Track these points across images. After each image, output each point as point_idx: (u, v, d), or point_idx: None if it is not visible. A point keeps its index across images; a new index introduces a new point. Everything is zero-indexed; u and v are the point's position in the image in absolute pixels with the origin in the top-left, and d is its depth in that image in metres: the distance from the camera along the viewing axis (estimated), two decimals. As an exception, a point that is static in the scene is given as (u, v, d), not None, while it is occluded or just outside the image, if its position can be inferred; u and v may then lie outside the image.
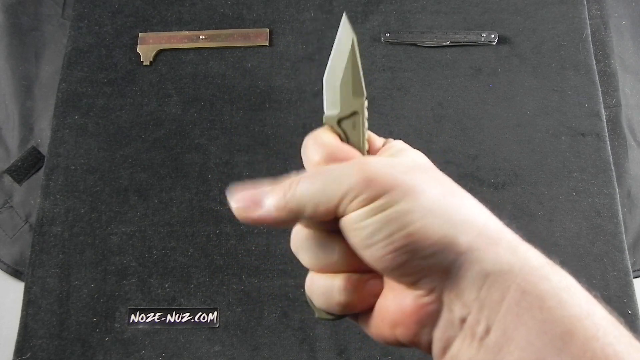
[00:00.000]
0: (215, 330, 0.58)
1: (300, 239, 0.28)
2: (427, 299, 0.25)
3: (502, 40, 0.68)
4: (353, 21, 0.70)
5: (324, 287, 0.27)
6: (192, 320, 0.58)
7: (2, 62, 0.71)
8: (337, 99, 0.28)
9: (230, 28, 0.70)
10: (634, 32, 0.73)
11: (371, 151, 0.29)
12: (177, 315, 0.58)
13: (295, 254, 0.29)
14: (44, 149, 0.67)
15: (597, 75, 0.67)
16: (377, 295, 0.27)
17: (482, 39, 0.68)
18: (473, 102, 0.66)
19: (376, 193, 0.24)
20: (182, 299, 0.59)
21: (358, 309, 0.27)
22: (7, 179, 0.67)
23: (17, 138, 0.68)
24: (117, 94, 0.67)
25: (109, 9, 0.71)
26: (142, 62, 0.68)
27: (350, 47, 0.27)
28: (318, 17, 0.70)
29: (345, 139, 0.28)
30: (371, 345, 0.57)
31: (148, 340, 0.58)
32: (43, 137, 0.68)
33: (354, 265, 0.27)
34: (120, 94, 0.67)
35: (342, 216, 0.25)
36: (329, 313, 0.28)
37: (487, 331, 0.23)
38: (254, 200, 0.26)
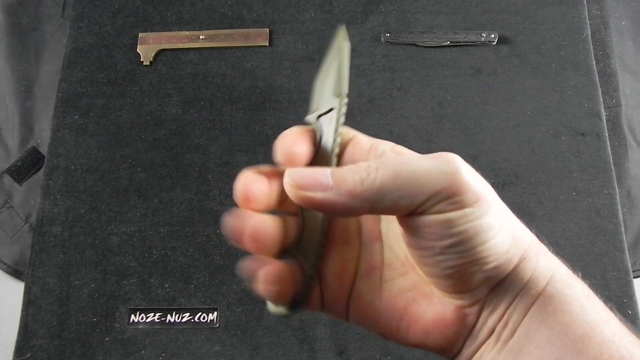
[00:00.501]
0: (215, 330, 0.58)
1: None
2: (469, 310, 0.25)
3: (502, 40, 0.68)
4: (353, 21, 0.70)
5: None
6: (192, 320, 0.58)
7: (2, 62, 0.71)
8: (321, 98, 0.28)
9: (230, 28, 0.70)
10: (634, 32, 0.73)
11: (356, 150, 0.27)
12: (177, 315, 0.58)
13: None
14: (44, 149, 0.67)
15: (597, 75, 0.67)
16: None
17: (482, 39, 0.68)
18: (473, 102, 0.66)
19: (468, 200, 0.23)
20: (182, 299, 0.59)
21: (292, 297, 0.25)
22: (7, 179, 0.67)
23: (17, 138, 0.68)
24: (117, 94, 0.67)
25: (109, 9, 0.71)
26: (142, 62, 0.68)
27: (340, 53, 0.28)
28: (318, 17, 0.70)
29: (319, 135, 0.27)
30: (371, 345, 0.57)
31: (148, 340, 0.58)
32: (43, 137, 0.68)
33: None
34: (120, 94, 0.67)
35: (420, 214, 0.23)
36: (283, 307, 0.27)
37: (512, 334, 0.24)
38: (318, 180, 0.23)
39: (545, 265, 0.24)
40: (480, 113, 0.65)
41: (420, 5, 0.70)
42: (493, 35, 0.68)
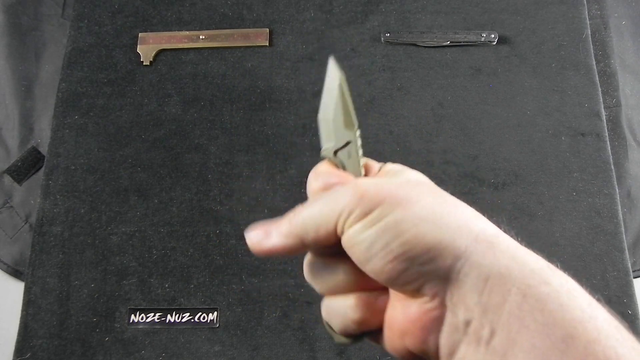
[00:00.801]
0: (215, 330, 0.58)
1: (309, 265, 0.29)
2: (430, 305, 0.25)
3: (502, 40, 0.68)
4: (353, 21, 0.70)
5: (337, 309, 0.29)
6: (192, 320, 0.58)
7: (2, 62, 0.71)
8: (331, 132, 0.30)
9: (230, 28, 0.70)
10: (634, 32, 0.73)
11: (369, 175, 0.30)
12: (177, 315, 0.58)
13: (310, 282, 0.30)
14: (44, 149, 0.67)
15: (597, 75, 0.67)
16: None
17: (482, 39, 0.68)
18: (473, 102, 0.66)
19: (369, 207, 0.25)
20: (182, 299, 0.59)
21: (373, 326, 0.28)
22: (7, 179, 0.67)
23: (17, 138, 0.68)
24: (117, 94, 0.67)
25: (109, 9, 0.71)
26: (142, 62, 0.68)
27: (338, 85, 0.29)
28: (318, 17, 0.70)
29: (343, 167, 0.30)
30: (371, 345, 0.57)
31: (148, 340, 0.58)
32: (43, 137, 0.68)
33: (362, 284, 0.28)
34: (120, 94, 0.67)
35: (342, 235, 0.26)
36: (347, 336, 0.30)
37: (492, 335, 0.23)
38: (265, 231, 0.28)
39: (507, 259, 0.24)
40: (480, 113, 0.65)
41: (420, 5, 0.70)
42: (493, 35, 0.68)
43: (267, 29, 0.70)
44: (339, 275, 0.28)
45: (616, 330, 0.22)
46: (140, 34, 0.69)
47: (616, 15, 0.73)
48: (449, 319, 0.25)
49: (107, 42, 0.70)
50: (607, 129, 0.65)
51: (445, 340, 0.25)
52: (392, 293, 0.27)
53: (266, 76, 0.68)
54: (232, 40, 0.69)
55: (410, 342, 0.26)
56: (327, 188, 0.28)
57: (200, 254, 0.61)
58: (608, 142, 0.64)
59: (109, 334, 0.58)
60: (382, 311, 0.28)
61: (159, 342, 0.57)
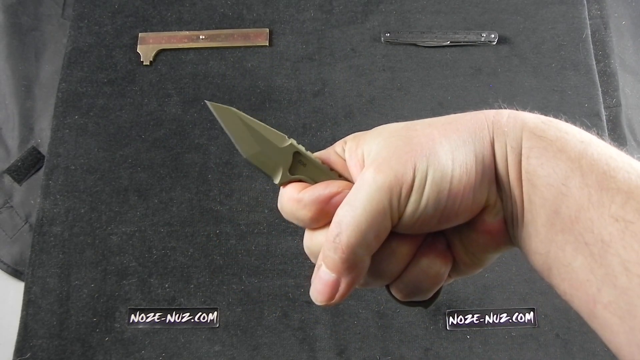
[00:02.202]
0: (215, 330, 0.58)
1: (363, 281, 0.28)
2: (495, 210, 0.26)
3: (502, 40, 0.68)
4: (353, 21, 0.70)
5: (423, 278, 0.28)
6: (192, 320, 0.58)
7: (2, 62, 0.71)
8: (272, 159, 0.28)
9: (230, 28, 0.70)
10: (634, 32, 0.73)
11: (335, 163, 0.29)
12: (177, 315, 0.58)
13: (369, 286, 0.29)
14: (44, 149, 0.67)
15: (597, 75, 0.67)
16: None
17: (482, 39, 0.68)
18: (473, 102, 0.66)
19: (409, 173, 0.25)
20: (182, 299, 0.59)
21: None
22: (7, 179, 0.67)
23: (17, 138, 0.68)
24: (117, 94, 0.67)
25: (109, 9, 0.71)
26: (142, 62, 0.68)
27: (237, 118, 0.29)
28: (318, 17, 0.70)
29: (308, 177, 0.28)
30: (371, 345, 0.57)
31: (148, 340, 0.58)
32: (43, 137, 0.68)
33: (417, 245, 0.28)
34: (120, 94, 0.67)
35: (400, 219, 0.25)
36: (433, 296, 0.29)
37: (522, 208, 0.25)
38: (329, 287, 0.26)
39: (514, 131, 0.25)
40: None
41: (420, 5, 0.70)
42: (493, 35, 0.68)
43: (267, 29, 0.70)
44: (400, 253, 0.27)
45: (609, 152, 0.24)
46: (140, 34, 0.69)
47: (616, 15, 0.73)
48: (507, 218, 0.27)
49: (107, 42, 0.70)
50: (607, 129, 0.65)
51: (512, 233, 0.27)
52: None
53: (266, 76, 0.68)
54: (232, 40, 0.69)
55: (494, 249, 0.28)
56: (323, 203, 0.27)
57: (200, 254, 0.61)
58: (608, 142, 0.64)
59: (109, 334, 0.58)
60: (446, 250, 0.28)
61: (159, 342, 0.57)
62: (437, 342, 0.57)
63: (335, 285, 0.26)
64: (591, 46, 0.68)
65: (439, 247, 0.28)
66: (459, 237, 0.28)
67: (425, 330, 0.58)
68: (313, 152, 0.29)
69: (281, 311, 0.58)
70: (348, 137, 0.29)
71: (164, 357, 0.57)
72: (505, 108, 0.28)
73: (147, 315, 0.58)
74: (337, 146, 0.29)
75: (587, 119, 0.65)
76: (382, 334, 0.57)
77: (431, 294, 0.29)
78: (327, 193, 0.27)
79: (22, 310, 0.59)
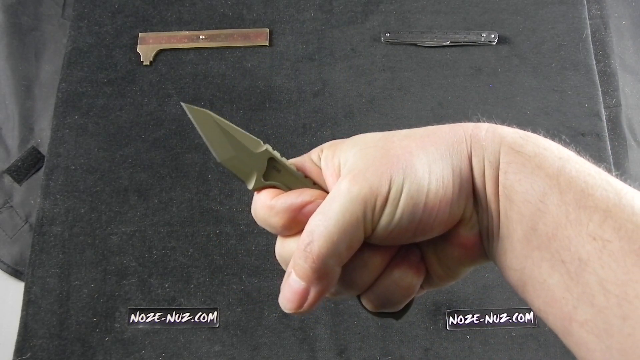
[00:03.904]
0: (215, 330, 0.58)
1: (333, 292, 0.28)
2: (470, 224, 0.26)
3: (502, 40, 0.68)
4: (353, 21, 0.70)
5: (394, 289, 0.28)
6: (192, 320, 0.58)
7: (2, 62, 0.71)
8: (246, 164, 0.28)
9: (230, 28, 0.70)
10: (634, 32, 0.73)
11: (311, 171, 0.29)
12: (177, 315, 0.58)
13: (340, 296, 0.29)
14: (44, 149, 0.67)
15: (597, 75, 0.67)
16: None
17: (482, 39, 0.68)
18: (473, 102, 0.66)
19: (384, 185, 0.24)
20: (182, 299, 0.59)
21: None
22: (7, 179, 0.67)
23: (17, 138, 0.68)
24: (117, 94, 0.67)
25: (109, 9, 0.71)
26: (142, 62, 0.68)
27: (213, 121, 0.28)
28: (318, 17, 0.70)
29: (282, 183, 0.28)
30: (371, 345, 0.57)
31: (148, 340, 0.58)
32: (43, 137, 0.68)
33: (390, 256, 0.28)
34: (120, 94, 0.67)
35: (373, 230, 0.25)
36: (404, 307, 0.29)
37: (498, 223, 0.25)
38: (298, 296, 0.26)
39: (491, 145, 0.25)
40: (480, 113, 0.65)
41: (420, 5, 0.70)
42: (493, 35, 0.68)
43: (267, 29, 0.70)
44: (372, 264, 0.27)
45: (587, 169, 0.24)
46: (140, 34, 0.69)
47: (616, 15, 0.73)
48: (482, 231, 0.27)
49: (107, 42, 0.70)
50: (607, 129, 0.65)
51: (488, 248, 0.27)
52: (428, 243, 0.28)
53: (266, 76, 0.68)
54: (232, 40, 0.69)
55: (469, 263, 0.27)
56: (295, 211, 0.27)
57: (200, 254, 0.61)
58: (608, 142, 0.64)
59: (109, 334, 0.58)
60: (419, 263, 0.28)
61: (159, 342, 0.57)
62: (437, 342, 0.57)
63: (305, 294, 0.26)
64: (591, 46, 0.68)
65: (412, 259, 0.28)
66: (433, 250, 0.28)
67: (425, 330, 0.58)
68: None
69: (281, 311, 0.58)
70: (325, 144, 0.28)
71: (164, 357, 0.57)
72: (483, 121, 0.27)
73: (147, 315, 0.58)
74: (314, 153, 0.29)
75: (587, 119, 0.65)
76: (382, 334, 0.57)
77: (402, 306, 0.29)
78: (299, 201, 0.27)
79: (22, 310, 0.59)
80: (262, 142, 0.29)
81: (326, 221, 0.24)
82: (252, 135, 0.29)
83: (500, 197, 0.25)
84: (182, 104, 0.29)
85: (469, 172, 0.26)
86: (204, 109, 0.28)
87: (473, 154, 0.26)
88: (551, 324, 0.24)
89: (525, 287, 0.25)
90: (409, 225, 0.25)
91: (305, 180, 0.28)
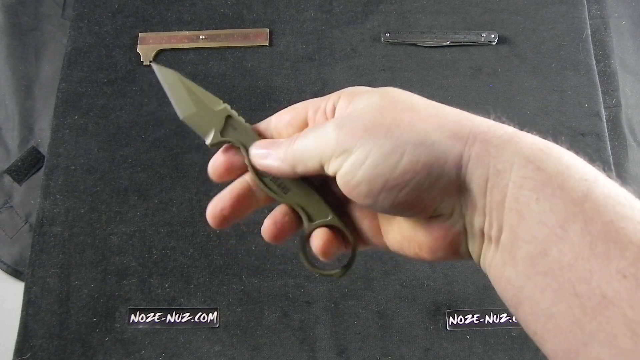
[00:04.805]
0: (215, 330, 0.58)
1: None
2: (450, 221, 0.26)
3: (502, 40, 0.68)
4: (353, 21, 0.70)
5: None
6: (192, 320, 0.58)
7: (2, 62, 0.71)
8: (205, 121, 0.31)
9: (230, 28, 0.70)
10: (634, 32, 0.73)
11: (272, 132, 0.31)
12: (177, 315, 0.58)
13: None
14: (44, 149, 0.67)
15: (597, 75, 0.67)
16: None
17: (482, 39, 0.68)
18: (473, 102, 0.66)
19: (349, 146, 0.25)
20: (182, 299, 0.59)
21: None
22: (7, 179, 0.67)
23: (17, 138, 0.68)
24: (117, 94, 0.67)
25: (109, 9, 0.71)
26: (142, 62, 0.68)
27: (178, 79, 0.31)
28: (318, 17, 0.70)
29: (238, 140, 0.30)
30: (371, 345, 0.57)
31: (148, 340, 0.58)
32: (43, 137, 0.68)
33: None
34: (120, 94, 0.67)
35: (333, 174, 0.26)
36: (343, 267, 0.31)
37: (499, 232, 0.24)
38: (267, 151, 0.29)
39: (500, 155, 0.24)
40: (480, 113, 0.65)
41: (420, 5, 0.70)
42: (493, 35, 0.68)
43: (267, 29, 0.70)
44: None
45: (617, 197, 0.22)
46: (140, 34, 0.69)
47: (616, 15, 0.73)
48: (468, 228, 0.25)
49: (107, 42, 0.70)
50: (607, 129, 0.65)
51: (472, 248, 0.26)
52: (414, 224, 0.28)
53: (266, 76, 0.68)
54: (232, 40, 0.69)
55: (443, 254, 0.27)
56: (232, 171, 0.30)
57: (200, 254, 0.61)
58: (608, 142, 0.64)
59: (109, 334, 0.58)
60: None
61: (159, 342, 0.57)
62: (437, 342, 0.57)
63: (267, 155, 0.29)
64: (591, 46, 0.68)
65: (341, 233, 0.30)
66: (404, 228, 0.28)
67: (425, 330, 0.58)
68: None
69: (281, 311, 0.58)
70: (344, 91, 0.29)
71: (164, 357, 0.57)
72: (502, 121, 0.26)
73: (147, 315, 0.58)
74: (329, 101, 0.30)
75: (587, 119, 0.65)
76: (382, 334, 0.57)
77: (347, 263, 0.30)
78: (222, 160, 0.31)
79: (22, 310, 0.59)
80: (222, 101, 0.31)
81: (302, 139, 0.28)
82: (213, 95, 0.31)
83: (506, 209, 0.23)
84: (152, 64, 0.31)
85: (454, 170, 0.24)
86: (172, 69, 0.31)
87: (474, 158, 0.24)
88: (548, 350, 0.23)
89: (520, 306, 0.24)
90: (367, 193, 0.25)
91: (258, 138, 0.31)
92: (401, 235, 0.28)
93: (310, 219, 0.30)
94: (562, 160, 0.23)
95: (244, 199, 0.30)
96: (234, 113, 0.31)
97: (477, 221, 0.25)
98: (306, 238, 0.30)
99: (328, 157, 0.26)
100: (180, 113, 0.31)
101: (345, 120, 0.26)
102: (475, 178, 0.24)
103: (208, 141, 0.31)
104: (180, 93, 0.31)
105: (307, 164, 0.27)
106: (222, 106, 0.31)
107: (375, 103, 0.26)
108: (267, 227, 0.30)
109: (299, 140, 0.28)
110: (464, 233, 0.26)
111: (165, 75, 0.31)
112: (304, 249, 0.30)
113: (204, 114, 0.31)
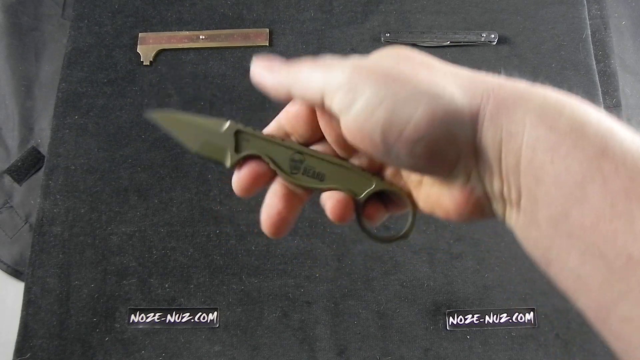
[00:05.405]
0: (215, 330, 0.58)
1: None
2: (470, 185, 0.25)
3: (502, 40, 0.68)
4: (353, 21, 0.70)
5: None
6: (192, 320, 0.58)
7: (2, 62, 0.71)
8: (219, 145, 0.30)
9: (230, 28, 0.70)
10: (634, 32, 0.73)
11: (283, 124, 0.31)
12: (177, 315, 0.58)
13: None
14: (44, 149, 0.67)
15: (597, 75, 0.67)
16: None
17: (482, 39, 0.68)
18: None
19: (360, 86, 0.24)
20: (182, 299, 0.59)
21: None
22: (7, 179, 0.67)
23: (17, 138, 0.68)
24: (117, 94, 0.67)
25: (109, 9, 0.71)
26: (142, 62, 0.68)
27: (175, 118, 0.31)
28: (318, 17, 0.70)
29: (254, 150, 0.30)
30: (371, 345, 0.57)
31: (148, 340, 0.58)
32: (43, 137, 0.68)
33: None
34: (120, 94, 0.67)
35: (336, 111, 0.25)
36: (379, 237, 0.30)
37: (519, 196, 0.23)
38: (269, 68, 0.28)
39: (515, 110, 0.23)
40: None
41: (420, 5, 0.71)
42: (493, 35, 0.68)
43: (267, 29, 0.70)
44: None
45: (637, 150, 0.21)
46: (140, 34, 0.69)
47: (616, 15, 0.73)
48: (489, 192, 0.25)
49: (107, 42, 0.70)
50: (607, 129, 0.65)
51: (496, 208, 0.25)
52: (435, 186, 0.27)
53: (266, 76, 0.68)
54: (232, 40, 0.69)
55: (469, 217, 0.26)
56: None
57: (200, 254, 0.61)
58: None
59: (109, 334, 0.58)
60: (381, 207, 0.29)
61: (159, 342, 0.57)
62: (437, 342, 0.57)
63: (267, 73, 0.28)
64: (591, 46, 0.68)
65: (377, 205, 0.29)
66: (428, 191, 0.28)
67: (425, 330, 0.58)
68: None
69: (281, 311, 0.58)
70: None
71: (164, 357, 0.57)
72: (511, 77, 0.26)
73: (147, 315, 0.58)
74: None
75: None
76: (382, 334, 0.57)
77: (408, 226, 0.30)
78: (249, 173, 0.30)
79: (22, 310, 0.59)
80: (224, 120, 0.30)
81: (310, 67, 0.26)
82: (213, 118, 0.30)
83: (522, 173, 0.22)
84: (147, 115, 0.31)
85: (469, 128, 0.23)
86: (164, 111, 0.31)
87: (488, 118, 0.23)
88: (581, 307, 0.22)
89: (549, 266, 0.23)
90: (380, 142, 0.24)
91: (272, 140, 0.30)
92: (428, 199, 0.28)
93: (355, 194, 0.29)
94: (575, 116, 0.22)
95: (290, 196, 0.30)
96: (240, 126, 0.30)
97: (495, 186, 0.24)
98: (361, 212, 0.30)
99: (333, 90, 0.25)
100: (191, 147, 0.31)
101: (362, 61, 0.25)
102: (489, 142, 0.23)
103: (228, 164, 0.30)
104: (183, 129, 0.31)
105: (305, 91, 0.26)
106: (227, 124, 0.30)
107: (393, 54, 0.26)
108: (333, 206, 0.29)
109: (306, 67, 0.26)
110: (486, 197, 0.25)
111: (162, 119, 0.31)
112: (362, 224, 0.30)
113: (213, 139, 0.30)
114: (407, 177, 0.29)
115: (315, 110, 0.29)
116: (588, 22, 0.69)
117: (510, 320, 0.57)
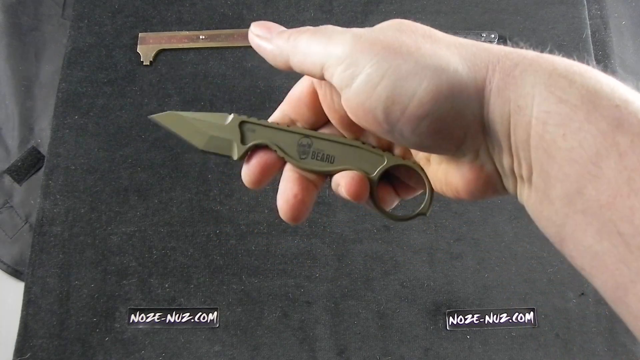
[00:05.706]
0: (215, 330, 0.58)
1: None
2: (479, 162, 0.24)
3: (502, 40, 0.68)
4: (353, 21, 0.70)
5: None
6: (192, 320, 0.58)
7: (2, 62, 0.71)
8: (225, 139, 0.30)
9: (230, 28, 0.70)
10: (634, 32, 0.73)
11: (288, 111, 0.31)
12: (177, 315, 0.58)
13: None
14: (44, 149, 0.67)
15: (597, 75, 0.67)
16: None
17: (482, 39, 0.68)
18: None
19: (367, 60, 0.23)
20: (182, 299, 0.59)
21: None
22: (7, 179, 0.67)
23: (17, 138, 0.68)
24: (117, 94, 0.67)
25: (109, 9, 0.71)
26: (142, 62, 0.68)
27: (178, 117, 0.30)
28: (318, 17, 0.70)
29: (261, 139, 0.30)
30: (371, 345, 0.57)
31: (148, 340, 0.58)
32: (43, 137, 0.68)
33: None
34: (120, 94, 0.67)
35: (337, 85, 0.24)
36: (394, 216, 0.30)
37: (530, 172, 0.23)
38: (267, 34, 0.28)
39: (522, 82, 0.22)
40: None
41: (420, 5, 0.70)
42: (493, 35, 0.68)
43: (267, 29, 0.70)
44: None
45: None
46: (140, 34, 0.69)
47: (616, 15, 0.73)
48: (499, 169, 0.24)
49: (107, 42, 0.70)
50: (607, 129, 0.65)
51: (507, 185, 0.25)
52: (440, 157, 0.27)
53: (266, 76, 0.68)
54: (232, 40, 0.69)
55: (481, 195, 0.26)
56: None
57: (200, 254, 0.61)
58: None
59: (109, 334, 0.58)
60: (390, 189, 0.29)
61: (159, 342, 0.57)
62: (437, 342, 0.57)
63: (266, 38, 0.28)
64: (591, 46, 0.68)
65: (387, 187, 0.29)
66: (437, 169, 0.27)
67: (425, 330, 0.58)
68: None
69: (281, 311, 0.58)
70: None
71: (164, 357, 0.57)
72: (514, 46, 0.25)
73: (147, 315, 0.58)
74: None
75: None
76: (382, 334, 0.57)
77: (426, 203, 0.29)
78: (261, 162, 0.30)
79: (22, 310, 0.59)
80: (227, 113, 0.30)
81: (310, 35, 0.25)
82: (215, 113, 0.30)
83: (532, 148, 0.22)
84: (150, 117, 0.31)
85: (476, 104, 0.23)
86: (166, 111, 0.30)
87: (495, 92, 0.22)
88: (597, 286, 0.21)
89: (563, 243, 0.22)
90: (383, 119, 0.23)
91: (278, 127, 0.30)
92: (436, 178, 0.27)
93: (368, 174, 0.29)
94: (587, 86, 0.21)
95: (304, 180, 0.29)
96: (244, 117, 0.30)
97: (506, 162, 0.23)
98: (376, 192, 0.29)
99: (333, 64, 0.24)
100: (198, 144, 0.30)
101: (364, 33, 0.24)
102: (497, 117, 0.22)
103: (235, 156, 0.29)
104: (187, 127, 0.30)
105: (304, 63, 0.25)
106: (230, 117, 0.30)
107: (395, 25, 0.25)
108: (348, 183, 0.28)
109: (306, 35, 0.26)
110: (496, 173, 0.24)
111: (165, 120, 0.31)
112: (377, 203, 0.29)
113: (218, 133, 0.30)
114: (415, 155, 0.29)
115: (316, 88, 0.29)
116: (588, 22, 0.69)
117: (510, 320, 0.58)
